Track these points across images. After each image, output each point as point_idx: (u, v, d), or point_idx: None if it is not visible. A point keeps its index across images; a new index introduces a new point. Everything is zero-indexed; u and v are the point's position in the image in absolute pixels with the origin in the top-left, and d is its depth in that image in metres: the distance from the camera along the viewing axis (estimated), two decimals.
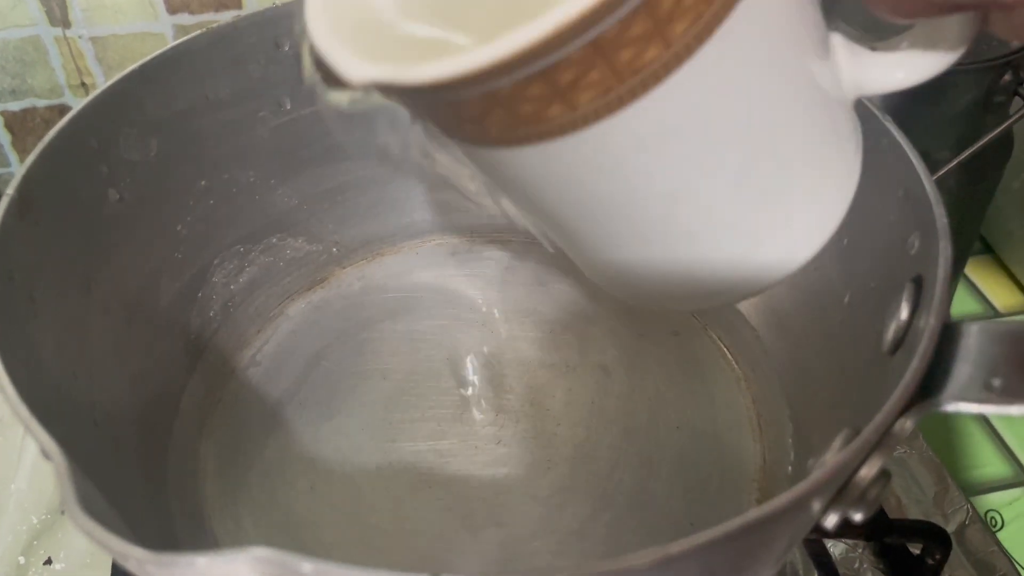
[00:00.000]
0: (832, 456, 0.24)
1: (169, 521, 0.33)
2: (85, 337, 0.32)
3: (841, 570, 0.39)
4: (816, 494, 0.22)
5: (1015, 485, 0.56)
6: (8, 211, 0.28)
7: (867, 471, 0.23)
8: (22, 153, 0.67)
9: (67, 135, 0.32)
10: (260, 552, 0.20)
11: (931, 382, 0.24)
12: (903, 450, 0.44)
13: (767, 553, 0.24)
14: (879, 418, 0.22)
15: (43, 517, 0.42)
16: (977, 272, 0.69)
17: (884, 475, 0.24)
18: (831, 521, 0.24)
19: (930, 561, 0.37)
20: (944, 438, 0.58)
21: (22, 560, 0.40)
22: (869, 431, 0.22)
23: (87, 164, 0.33)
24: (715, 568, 0.22)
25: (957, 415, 0.58)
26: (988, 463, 0.58)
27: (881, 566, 0.40)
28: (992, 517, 0.53)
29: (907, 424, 0.23)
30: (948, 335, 0.25)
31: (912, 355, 0.24)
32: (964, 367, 0.24)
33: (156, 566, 0.20)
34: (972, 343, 0.24)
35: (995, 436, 0.59)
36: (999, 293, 0.67)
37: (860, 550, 0.40)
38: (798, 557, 0.40)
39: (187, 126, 0.37)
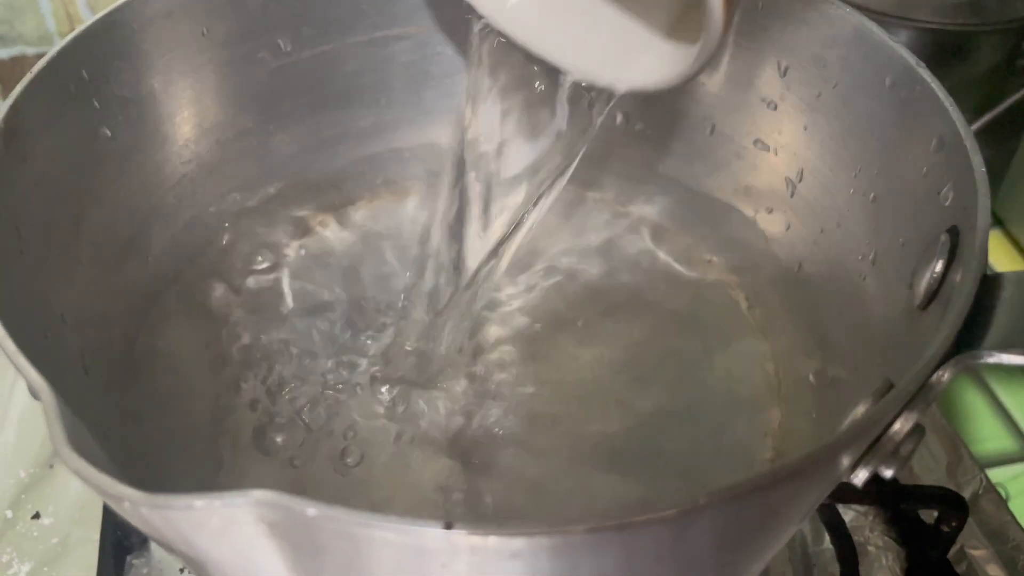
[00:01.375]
0: (867, 408, 0.23)
1: (160, 472, 0.31)
2: (74, 280, 0.30)
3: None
4: (849, 446, 0.21)
5: (1021, 460, 0.55)
6: None
7: (901, 426, 0.22)
8: None
9: (57, 65, 0.30)
10: (262, 495, 0.18)
11: (970, 334, 0.23)
12: None
13: (793, 509, 0.23)
14: (916, 369, 0.21)
15: (31, 471, 0.41)
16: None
17: (918, 430, 0.22)
18: (860, 477, 0.23)
19: (945, 528, 0.36)
20: (949, 411, 0.57)
21: (9, 514, 0.39)
22: (906, 383, 0.21)
23: (78, 97, 0.31)
24: (742, 521, 0.21)
25: (962, 389, 0.57)
26: (994, 437, 0.57)
27: (892, 534, 0.39)
28: (997, 491, 0.53)
29: (944, 377, 0.22)
30: (986, 286, 0.24)
31: (948, 306, 0.23)
32: (1004, 318, 0.23)
33: (150, 508, 0.19)
34: (1012, 294, 0.23)
35: (1001, 410, 0.58)
36: (1009, 268, 0.66)
37: (870, 518, 0.39)
38: (807, 526, 0.39)
39: (182, 64, 0.36)
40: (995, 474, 0.52)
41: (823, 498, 0.25)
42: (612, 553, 0.20)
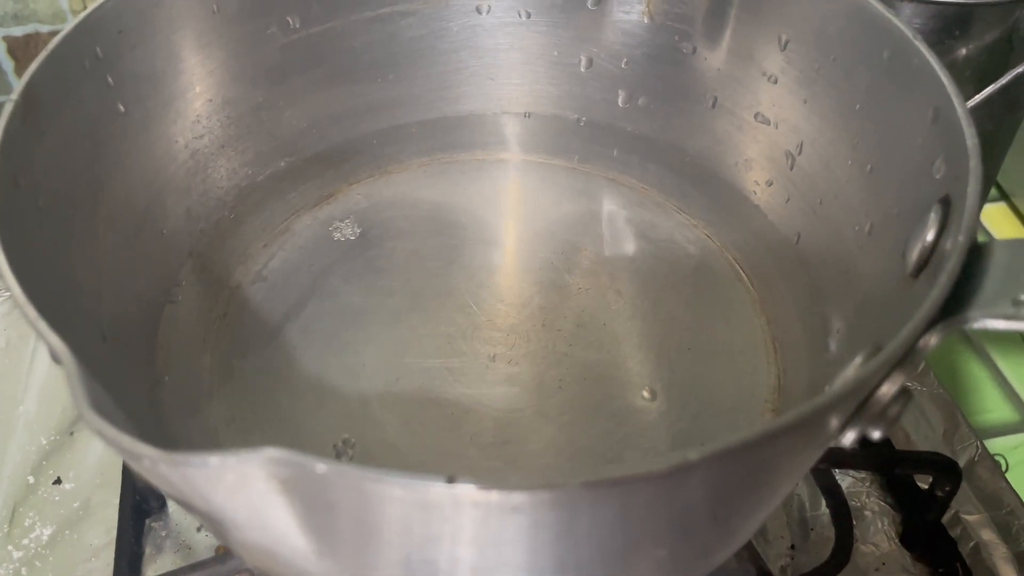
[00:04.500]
0: (854, 370, 0.24)
1: (175, 437, 0.32)
2: (92, 251, 0.31)
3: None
4: (837, 407, 0.22)
5: (1021, 430, 0.56)
6: (12, 116, 0.28)
7: (888, 388, 0.23)
8: None
9: (72, 41, 0.31)
10: (273, 453, 0.19)
11: (958, 300, 0.23)
12: (914, 386, 0.44)
13: (784, 469, 0.24)
14: (904, 333, 0.22)
15: (52, 438, 0.42)
16: (992, 220, 0.68)
17: (905, 393, 0.23)
18: (849, 438, 0.24)
19: (939, 493, 0.36)
20: (950, 382, 0.58)
21: (31, 479, 0.40)
22: (894, 346, 0.22)
23: (93, 73, 0.32)
24: (734, 478, 0.22)
25: (964, 360, 0.58)
26: (994, 408, 0.58)
27: (888, 500, 0.40)
28: (997, 460, 0.53)
29: (932, 340, 0.23)
30: (975, 254, 0.24)
31: (938, 273, 0.24)
32: (992, 285, 0.23)
33: (169, 465, 0.20)
34: (1000, 261, 0.24)
35: (1002, 381, 0.59)
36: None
37: (867, 484, 0.40)
38: (804, 491, 0.40)
39: (194, 40, 0.36)
40: (996, 444, 0.53)
41: (815, 459, 0.26)
42: (608, 506, 0.21)
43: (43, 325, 0.23)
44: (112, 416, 0.21)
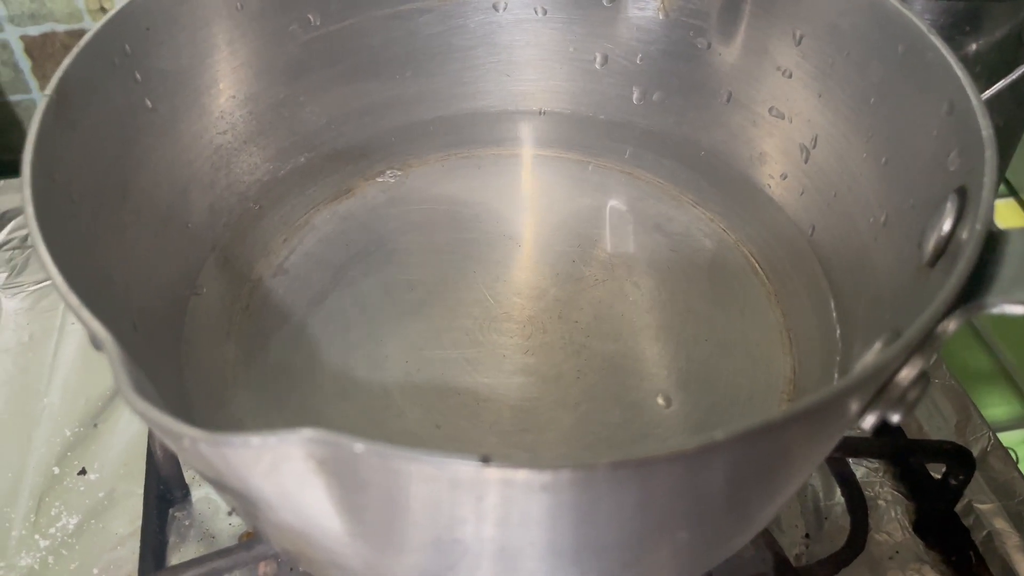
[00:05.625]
0: (874, 355, 0.24)
1: (202, 427, 0.33)
2: (121, 243, 0.32)
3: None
4: (859, 389, 0.22)
5: None
6: (47, 111, 0.28)
7: (908, 372, 0.23)
8: (42, 79, 0.67)
9: (102, 38, 0.32)
10: (312, 433, 0.20)
11: (976, 287, 0.24)
12: None
13: (806, 452, 0.25)
14: (923, 318, 0.22)
15: (76, 430, 0.42)
16: (1000, 216, 0.68)
17: (924, 377, 0.24)
18: (869, 422, 0.24)
19: (952, 482, 0.37)
20: (961, 377, 0.58)
21: (56, 470, 0.41)
22: (913, 331, 0.22)
23: (121, 69, 0.33)
24: (756, 461, 0.23)
25: (974, 355, 0.58)
26: (1003, 403, 0.58)
27: (902, 489, 0.40)
28: (1010, 451, 0.54)
29: (950, 326, 0.23)
30: (991, 241, 0.25)
31: (956, 260, 0.24)
32: (1008, 271, 0.24)
33: (210, 445, 0.21)
34: (1017, 249, 0.24)
35: (1010, 376, 0.59)
36: None
37: (881, 473, 0.41)
38: (818, 480, 0.41)
39: (218, 37, 0.37)
40: (1004, 438, 0.53)
41: (835, 443, 0.27)
42: (634, 488, 0.21)
43: (86, 312, 0.23)
44: (153, 398, 0.22)
